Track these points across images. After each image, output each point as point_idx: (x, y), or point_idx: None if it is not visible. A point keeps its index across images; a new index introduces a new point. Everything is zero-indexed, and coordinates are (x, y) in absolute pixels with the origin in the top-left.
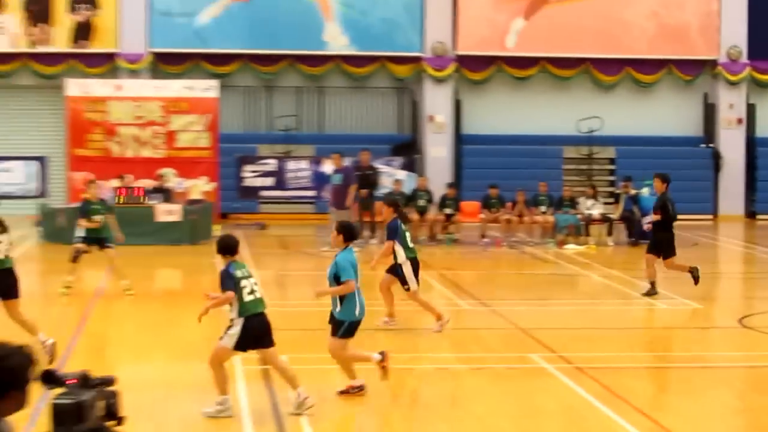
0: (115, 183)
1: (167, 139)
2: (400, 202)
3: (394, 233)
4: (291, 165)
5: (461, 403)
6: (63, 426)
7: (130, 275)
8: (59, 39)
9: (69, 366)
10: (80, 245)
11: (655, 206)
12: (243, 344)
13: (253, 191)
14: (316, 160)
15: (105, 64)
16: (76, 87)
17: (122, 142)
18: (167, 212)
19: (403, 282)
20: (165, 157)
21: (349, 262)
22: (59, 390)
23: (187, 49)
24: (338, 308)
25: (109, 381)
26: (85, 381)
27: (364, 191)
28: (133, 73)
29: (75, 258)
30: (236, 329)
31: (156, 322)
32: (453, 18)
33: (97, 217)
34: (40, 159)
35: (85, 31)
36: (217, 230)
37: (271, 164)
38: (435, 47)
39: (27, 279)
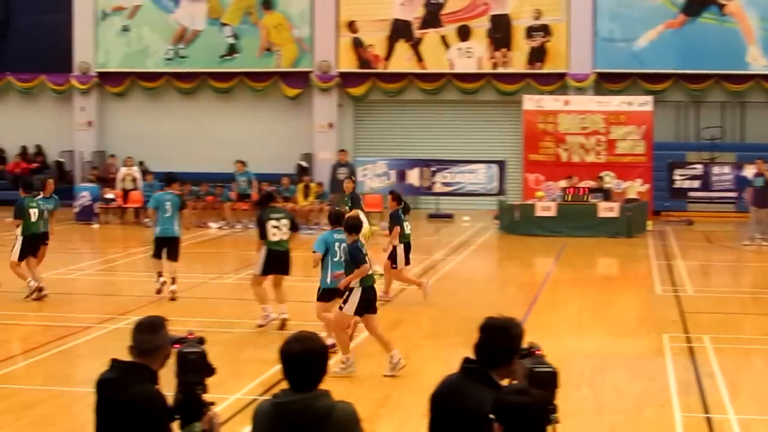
0: (563, 183)
1: (608, 146)
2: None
3: (398, 220)
4: (715, 170)
5: None
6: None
7: (575, 263)
8: (517, 61)
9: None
10: None
11: None
12: (359, 310)
13: (682, 192)
14: (738, 166)
15: (556, 82)
16: (531, 102)
17: (569, 149)
18: (607, 209)
19: (393, 261)
20: (605, 162)
21: (323, 239)
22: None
23: (626, 69)
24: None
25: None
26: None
27: None
28: (580, 90)
29: None
30: (357, 296)
31: (596, 302)
32: None
33: (345, 208)
34: (499, 162)
35: (540, 54)
36: (650, 226)
37: (698, 169)
38: None
39: (486, 264)
